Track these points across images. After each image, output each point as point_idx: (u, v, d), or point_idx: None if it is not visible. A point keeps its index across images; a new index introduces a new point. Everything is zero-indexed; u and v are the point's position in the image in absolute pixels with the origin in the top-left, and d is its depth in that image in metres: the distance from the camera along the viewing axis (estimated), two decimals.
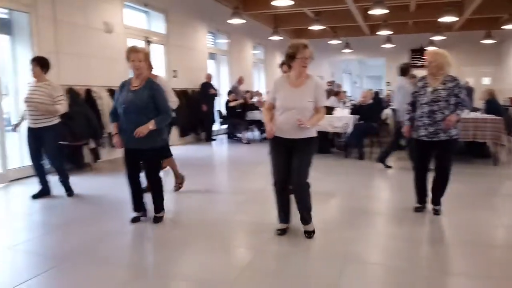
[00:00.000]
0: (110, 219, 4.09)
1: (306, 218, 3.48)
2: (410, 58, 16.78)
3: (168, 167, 5.06)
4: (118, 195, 5.04)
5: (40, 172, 4.83)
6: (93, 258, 3.12)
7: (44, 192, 4.85)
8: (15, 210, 4.70)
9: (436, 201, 4.09)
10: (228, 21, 9.79)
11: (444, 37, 13.78)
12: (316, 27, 11.49)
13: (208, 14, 10.64)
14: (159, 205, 3.95)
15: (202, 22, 10.46)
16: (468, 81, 14.18)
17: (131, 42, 8.00)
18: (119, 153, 7.48)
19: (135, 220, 3.91)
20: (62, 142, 5.90)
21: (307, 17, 12.66)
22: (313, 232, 3.50)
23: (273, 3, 8.20)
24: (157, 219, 3.90)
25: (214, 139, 10.34)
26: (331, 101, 9.86)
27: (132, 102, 3.64)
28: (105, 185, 5.60)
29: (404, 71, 6.62)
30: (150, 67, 4.57)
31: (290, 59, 3.32)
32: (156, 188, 3.95)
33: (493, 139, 6.52)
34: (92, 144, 6.64)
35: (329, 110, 8.28)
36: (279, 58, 16.50)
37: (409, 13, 12.71)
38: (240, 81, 10.83)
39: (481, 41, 13.87)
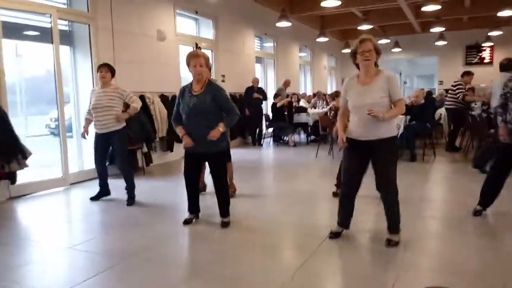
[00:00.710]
0: (164, 221, 4.23)
1: (394, 227, 3.32)
2: (465, 55, 16.03)
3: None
4: (171, 197, 5.24)
5: (103, 176, 5.00)
6: (149, 258, 3.24)
7: (103, 194, 5.06)
8: (74, 212, 4.97)
9: None
10: (276, 25, 9.83)
11: (502, 32, 13.02)
12: (364, 27, 11.26)
13: (255, 19, 10.75)
14: (226, 209, 3.95)
15: (249, 26, 10.58)
16: None
17: (182, 49, 8.27)
18: (170, 157, 7.82)
19: (188, 221, 4.00)
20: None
21: (355, 17, 12.44)
22: (398, 242, 3.28)
23: (322, 4, 8.14)
24: (225, 224, 3.90)
25: (261, 144, 10.24)
26: None
27: (196, 107, 3.68)
28: (158, 188, 5.81)
29: (507, 67, 6.24)
30: (209, 71, 4.71)
31: (353, 57, 3.25)
32: (224, 192, 3.96)
33: None
34: (145, 148, 6.91)
35: None
36: (325, 60, 16.36)
37: (464, 8, 12.13)
38: (286, 83, 10.76)
39: None
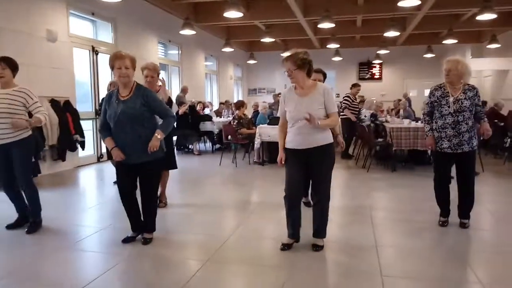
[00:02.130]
0: (50, 238, 3.85)
1: (321, 232, 3.40)
2: (358, 71, 17.44)
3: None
4: (60, 211, 4.81)
5: (18, 197, 4.04)
6: (26, 279, 2.92)
7: (24, 219, 4.07)
8: None
9: (465, 215, 3.99)
10: (180, 32, 9.71)
11: (388, 51, 14.44)
12: (267, 39, 11.67)
13: (159, 24, 10.51)
14: (152, 225, 3.64)
15: (152, 32, 10.30)
16: (407, 93, 15.06)
17: (77, 52, 7.75)
18: (61, 166, 7.21)
19: (128, 240, 3.59)
20: None
21: (258, 30, 12.83)
22: (322, 247, 3.38)
23: (224, 14, 8.24)
24: (147, 241, 3.58)
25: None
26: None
27: (125, 113, 3.34)
28: (46, 201, 5.26)
29: None
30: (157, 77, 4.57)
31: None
32: (153, 205, 3.63)
33: None
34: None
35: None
36: (232, 70, 16.61)
37: (356, 28, 13.24)
38: (185, 90, 10.54)
39: (424, 55, 14.67)
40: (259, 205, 5.02)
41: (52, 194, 5.68)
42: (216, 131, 10.12)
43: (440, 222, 4.05)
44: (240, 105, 8.96)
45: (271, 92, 16.62)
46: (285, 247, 3.40)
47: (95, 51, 8.25)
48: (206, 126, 10.05)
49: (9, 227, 3.99)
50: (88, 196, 5.88)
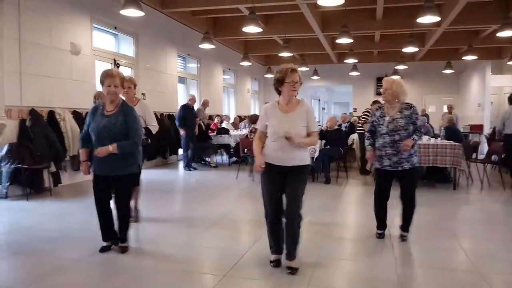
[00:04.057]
0: (68, 247, 3.91)
1: (293, 253, 3.28)
2: (376, 85, 17.37)
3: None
4: (79, 221, 4.88)
5: None
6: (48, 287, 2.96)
7: None
8: None
9: (405, 228, 4.13)
10: (199, 46, 9.87)
11: (407, 67, 14.38)
12: (285, 54, 11.75)
13: (179, 39, 10.70)
14: (126, 234, 3.77)
15: (172, 46, 10.49)
16: (425, 109, 14.86)
17: (99, 65, 7.93)
18: (81, 177, 7.32)
19: (105, 249, 3.71)
20: (20, 165, 5.72)
21: (276, 44, 12.94)
22: (297, 269, 3.24)
23: (243, 29, 8.35)
24: (124, 249, 3.73)
25: (191, 168, 9.38)
26: None
27: (106, 128, 3.50)
28: (66, 211, 5.38)
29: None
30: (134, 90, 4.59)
31: (279, 84, 3.26)
32: (125, 217, 3.76)
33: (452, 165, 6.75)
34: (53, 168, 6.42)
35: None
36: (249, 83, 16.73)
37: (374, 43, 13.24)
38: (205, 104, 10.62)
39: (442, 71, 14.54)
40: None
41: (70, 205, 5.78)
42: (233, 144, 10.17)
43: (377, 234, 4.19)
44: (255, 118, 9.01)
45: None
46: (276, 263, 3.36)
47: (116, 64, 8.43)
48: (223, 139, 10.11)
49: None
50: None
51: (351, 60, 12.91)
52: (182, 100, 11.09)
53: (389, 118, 3.95)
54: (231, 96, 15.49)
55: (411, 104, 4.03)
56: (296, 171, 3.25)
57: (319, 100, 24.10)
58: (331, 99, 26.05)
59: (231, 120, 13.32)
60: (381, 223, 4.22)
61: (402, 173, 3.98)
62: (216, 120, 11.14)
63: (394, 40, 12.63)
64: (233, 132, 10.71)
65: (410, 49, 10.74)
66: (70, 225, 4.66)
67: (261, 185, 3.37)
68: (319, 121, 19.40)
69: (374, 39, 12.87)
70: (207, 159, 10.21)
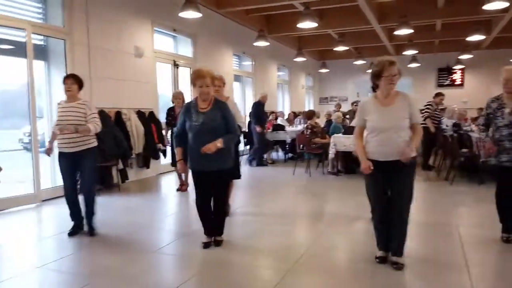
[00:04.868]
0: (136, 241, 4.14)
1: (401, 249, 3.25)
2: (437, 77, 16.58)
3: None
4: (146, 216, 5.14)
5: (76, 204, 4.30)
6: (119, 279, 3.16)
7: (81, 226, 4.34)
8: (45, 230, 4.82)
9: None
10: (254, 44, 9.97)
11: (472, 56, 13.58)
12: (340, 48, 11.55)
13: (234, 37, 10.87)
14: (222, 228, 3.90)
15: (227, 45, 10.68)
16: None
17: (159, 66, 8.27)
18: (146, 174, 7.71)
19: (207, 245, 3.79)
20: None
21: (331, 38, 12.75)
22: (403, 265, 3.22)
23: (298, 25, 8.31)
24: (219, 242, 3.84)
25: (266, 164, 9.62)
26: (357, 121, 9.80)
27: (205, 124, 3.58)
28: (133, 206, 5.70)
29: None
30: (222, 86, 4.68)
31: (375, 78, 3.22)
32: (224, 211, 3.91)
33: None
34: (121, 165, 6.80)
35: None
36: (303, 79, 16.63)
37: (435, 33, 12.63)
38: (264, 98, 10.61)
39: (511, 60, 13.57)
40: (334, 217, 4.95)
41: (138, 199, 6.11)
42: (288, 140, 10.18)
43: (504, 238, 3.83)
44: (311, 114, 8.94)
45: (343, 101, 16.35)
46: (381, 260, 3.31)
47: (176, 65, 8.74)
48: (279, 135, 10.15)
49: (71, 234, 4.21)
50: (169, 202, 6.21)
51: (410, 52, 12.45)
52: (237, 99, 11.27)
53: (509, 110, 3.66)
54: (285, 93, 15.48)
55: None
56: (403, 164, 3.14)
57: None
58: None
59: (286, 117, 13.33)
60: (507, 226, 3.84)
61: None
62: (270, 117, 11.18)
63: (457, 29, 11.96)
64: (288, 128, 10.72)
65: (475, 38, 10.15)
66: (140, 219, 4.91)
67: (366, 184, 3.32)
68: None
69: (435, 28, 12.26)
70: (264, 156, 10.29)
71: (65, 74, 6.10)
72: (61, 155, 4.19)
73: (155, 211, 5.45)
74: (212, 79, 3.66)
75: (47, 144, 4.42)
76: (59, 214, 5.02)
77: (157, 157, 7.70)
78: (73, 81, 4.24)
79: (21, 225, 4.79)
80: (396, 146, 3.12)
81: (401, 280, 3.09)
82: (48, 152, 4.35)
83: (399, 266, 3.21)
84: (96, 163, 4.47)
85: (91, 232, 4.24)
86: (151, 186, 7.18)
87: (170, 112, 6.55)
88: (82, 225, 4.33)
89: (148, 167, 7.64)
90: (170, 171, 8.53)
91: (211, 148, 3.50)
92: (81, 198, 4.31)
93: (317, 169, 8.38)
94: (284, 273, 3.20)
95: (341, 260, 3.62)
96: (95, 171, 4.40)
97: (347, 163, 8.06)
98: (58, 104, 4.34)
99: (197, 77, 3.57)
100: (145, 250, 3.80)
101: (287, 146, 10.40)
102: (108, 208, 5.42)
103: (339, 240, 4.11)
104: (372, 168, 3.17)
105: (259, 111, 9.26)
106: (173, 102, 6.54)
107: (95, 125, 4.16)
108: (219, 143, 3.52)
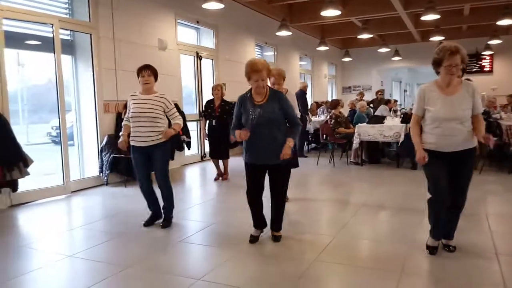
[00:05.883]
0: (165, 230, 4.21)
1: (452, 236, 3.33)
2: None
3: None
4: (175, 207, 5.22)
5: (152, 196, 4.39)
6: (149, 268, 3.23)
7: (157, 217, 4.38)
8: (75, 220, 4.95)
9: None
10: (276, 34, 9.91)
11: (501, 41, 13.10)
12: (364, 36, 11.34)
13: (256, 28, 10.81)
14: (281, 223, 3.78)
15: (249, 35, 10.64)
16: None
17: (183, 58, 8.32)
18: (170, 165, 7.75)
19: (254, 240, 3.71)
20: (118, 155, 6.24)
21: (354, 26, 12.52)
22: (455, 247, 3.30)
23: (321, 13, 8.20)
24: (278, 238, 3.73)
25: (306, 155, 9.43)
26: (381, 110, 9.66)
27: (263, 117, 3.45)
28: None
29: None
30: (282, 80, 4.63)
31: (436, 66, 3.11)
32: (282, 206, 3.74)
33: None
34: None
35: (380, 119, 8.12)
36: (326, 68, 16.44)
37: (463, 17, 12.22)
38: (305, 88, 10.00)
39: None
40: (360, 207, 4.90)
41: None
42: (311, 130, 10.11)
43: None
44: (335, 103, 8.85)
45: (366, 90, 16.10)
46: (432, 249, 3.28)
47: (199, 57, 8.78)
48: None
49: (146, 224, 4.28)
50: (195, 193, 6.29)
51: (437, 38, 12.08)
52: None
53: None
54: (308, 82, 15.30)
55: None
56: (466, 156, 3.10)
57: (401, 82, 22.95)
58: (414, 80, 24.60)
59: (308, 107, 13.22)
60: None
61: None
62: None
63: (486, 13, 11.53)
64: (312, 118, 10.64)
65: (505, 22, 9.77)
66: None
67: (427, 176, 3.26)
68: (400, 104, 18.50)
69: (463, 13, 11.87)
70: None
71: (92, 69, 6.31)
72: (135, 148, 4.17)
73: (180, 202, 5.52)
74: (268, 72, 3.52)
75: (122, 137, 4.19)
76: (88, 205, 5.16)
77: (181, 149, 7.79)
78: (150, 73, 4.14)
79: (51, 216, 4.93)
80: (462, 136, 3.04)
81: (433, 265, 3.05)
82: (124, 145, 4.18)
83: (450, 249, 3.28)
84: (169, 155, 4.43)
85: (164, 224, 4.24)
86: (176, 177, 7.27)
87: (210, 104, 6.60)
88: (159, 215, 4.36)
89: (173, 158, 7.71)
90: (195, 162, 8.64)
91: (288, 152, 3.42)
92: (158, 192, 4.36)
93: (341, 159, 8.31)
94: (310, 262, 3.21)
95: (366, 249, 3.60)
96: (167, 163, 4.36)
97: (371, 153, 7.96)
98: (132, 96, 4.22)
99: (252, 71, 3.42)
100: (173, 239, 3.88)
101: (310, 136, 10.34)
102: (134, 199, 5.53)
103: (365, 230, 4.08)
104: (426, 160, 3.10)
105: (305, 100, 9.20)
106: (212, 95, 6.61)
107: (180, 119, 4.19)
108: (290, 143, 3.44)
